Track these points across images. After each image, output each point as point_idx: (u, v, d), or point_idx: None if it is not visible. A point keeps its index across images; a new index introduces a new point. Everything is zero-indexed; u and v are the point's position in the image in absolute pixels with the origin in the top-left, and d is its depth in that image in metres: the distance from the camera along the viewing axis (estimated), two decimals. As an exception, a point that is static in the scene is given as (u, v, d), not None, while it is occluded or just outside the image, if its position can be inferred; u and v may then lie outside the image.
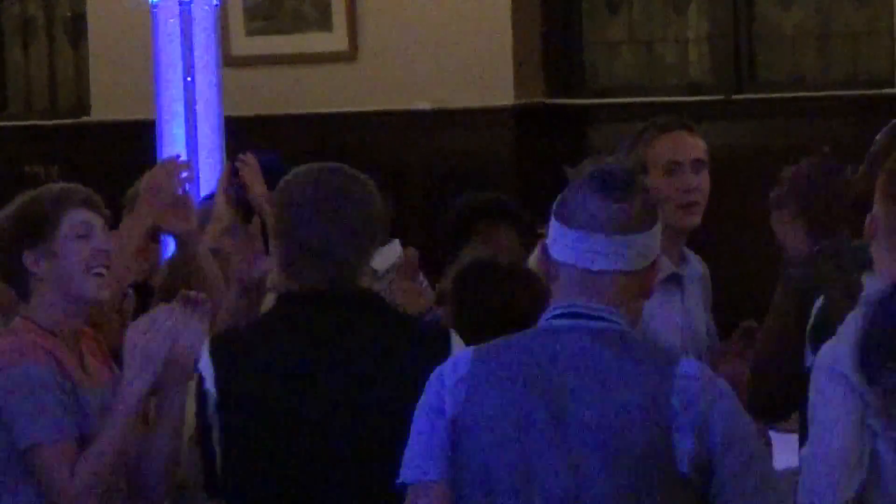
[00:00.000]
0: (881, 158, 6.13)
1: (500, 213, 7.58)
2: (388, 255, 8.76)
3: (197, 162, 8.97)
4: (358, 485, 5.76)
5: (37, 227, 5.84)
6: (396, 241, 8.67)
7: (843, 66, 13.54)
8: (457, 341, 5.79)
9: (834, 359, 5.35)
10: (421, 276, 7.95)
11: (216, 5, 9.02)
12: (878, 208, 5.41)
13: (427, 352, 5.68)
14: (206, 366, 5.81)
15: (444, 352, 5.66)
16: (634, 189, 5.04)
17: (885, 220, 5.26)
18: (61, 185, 6.12)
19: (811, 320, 5.94)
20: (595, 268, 5.10)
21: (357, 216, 5.77)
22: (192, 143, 9.00)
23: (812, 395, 5.27)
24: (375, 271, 8.99)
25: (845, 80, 13.31)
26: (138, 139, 9.61)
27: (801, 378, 6.08)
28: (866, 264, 6.35)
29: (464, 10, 14.08)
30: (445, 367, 5.18)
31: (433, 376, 5.18)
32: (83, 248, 5.69)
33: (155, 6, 8.91)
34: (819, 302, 6.15)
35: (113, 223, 9.10)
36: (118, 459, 5.78)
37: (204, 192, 8.69)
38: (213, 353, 5.87)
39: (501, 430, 5.02)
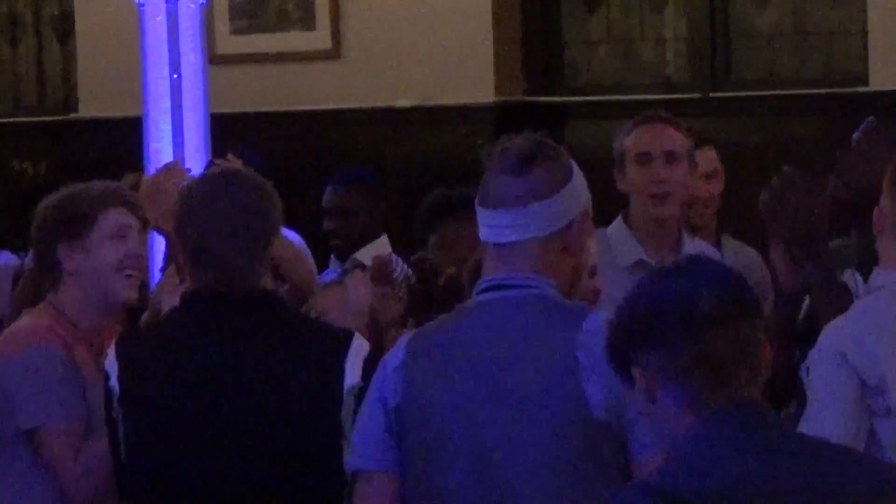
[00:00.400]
0: (865, 159, 6.13)
1: (462, 208, 7.70)
2: (377, 249, 8.81)
3: (183, 157, 9.00)
4: (257, 486, 5.71)
5: (75, 223, 5.88)
6: (384, 237, 8.71)
7: (818, 65, 13.58)
8: (358, 342, 5.82)
9: (838, 341, 5.58)
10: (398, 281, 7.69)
11: (202, 4, 9.05)
12: (885, 202, 5.44)
13: (325, 352, 5.76)
14: (111, 363, 5.77)
15: (343, 351, 5.74)
16: (537, 160, 5.20)
17: (894, 214, 5.30)
18: (105, 183, 6.20)
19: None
20: (504, 241, 5.28)
21: (248, 221, 5.78)
22: (178, 139, 9.03)
23: (812, 375, 5.59)
24: (363, 265, 9.06)
25: (819, 78, 13.34)
26: (126, 135, 9.65)
27: (793, 374, 6.13)
28: (848, 262, 6.40)
29: (445, 9, 14.11)
30: (388, 356, 5.35)
31: (378, 366, 5.34)
32: (118, 249, 5.79)
33: (142, 4, 8.94)
34: (805, 303, 6.19)
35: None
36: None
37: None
38: (119, 351, 5.83)
39: (446, 414, 5.14)
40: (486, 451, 5.12)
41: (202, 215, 5.77)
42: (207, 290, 5.75)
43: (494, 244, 5.38)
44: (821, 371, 5.66)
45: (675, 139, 6.87)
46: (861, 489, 4.33)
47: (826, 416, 5.57)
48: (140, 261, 6.06)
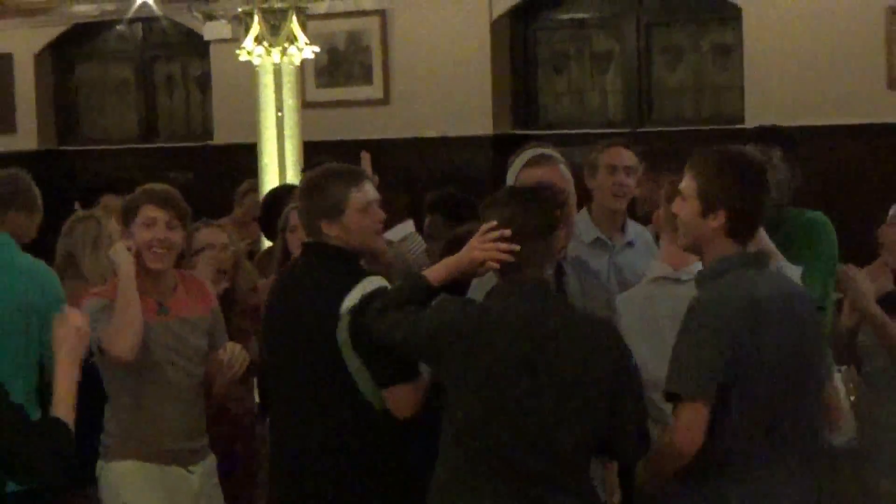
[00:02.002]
0: None
1: (434, 205, 7.53)
2: (402, 229, 8.73)
3: (284, 173, 8.97)
4: (309, 380, 5.30)
5: (127, 216, 5.72)
6: (410, 221, 8.67)
7: (709, 109, 13.50)
8: (370, 280, 5.24)
9: None
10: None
11: (297, 65, 9.05)
12: (662, 209, 5.38)
13: (345, 284, 5.19)
14: None
15: (352, 284, 5.16)
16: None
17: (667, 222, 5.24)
18: (148, 185, 5.95)
19: None
20: None
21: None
22: (281, 158, 8.99)
23: None
24: (390, 241, 9.00)
25: (710, 118, 13.28)
26: (245, 155, 9.67)
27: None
28: None
29: (457, 71, 14.09)
30: None
31: None
32: (148, 235, 5.61)
33: (257, 65, 8.93)
34: None
35: (222, 211, 9.00)
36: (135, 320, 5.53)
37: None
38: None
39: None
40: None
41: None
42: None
43: None
44: None
45: (632, 158, 6.86)
46: (560, 324, 4.49)
47: None
48: (163, 243, 5.67)
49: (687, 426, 4.41)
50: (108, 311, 5.54)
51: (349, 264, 5.22)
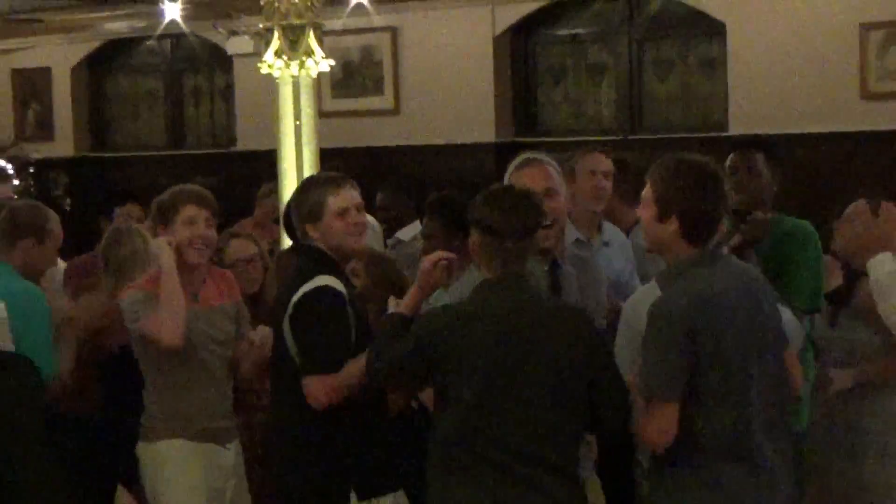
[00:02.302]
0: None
1: (432, 207, 7.52)
2: (411, 230, 8.69)
3: (302, 177, 8.96)
4: None
5: (166, 214, 5.68)
6: (417, 222, 8.59)
7: (696, 117, 13.52)
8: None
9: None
10: None
11: (314, 78, 9.05)
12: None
13: None
14: None
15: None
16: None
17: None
18: (184, 186, 5.93)
19: None
20: None
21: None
22: (299, 165, 9.00)
23: None
24: (401, 240, 9.00)
25: (697, 126, 13.27)
26: (265, 160, 9.69)
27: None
28: None
29: (463, 83, 14.10)
30: None
31: None
32: (189, 232, 5.59)
33: (277, 77, 8.94)
34: None
35: (245, 212, 8.96)
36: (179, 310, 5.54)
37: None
38: None
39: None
40: None
41: None
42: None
43: None
44: None
45: (610, 164, 6.85)
46: (536, 315, 4.56)
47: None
48: (205, 239, 5.71)
49: (659, 426, 4.42)
50: (148, 303, 5.54)
51: (322, 264, 5.25)
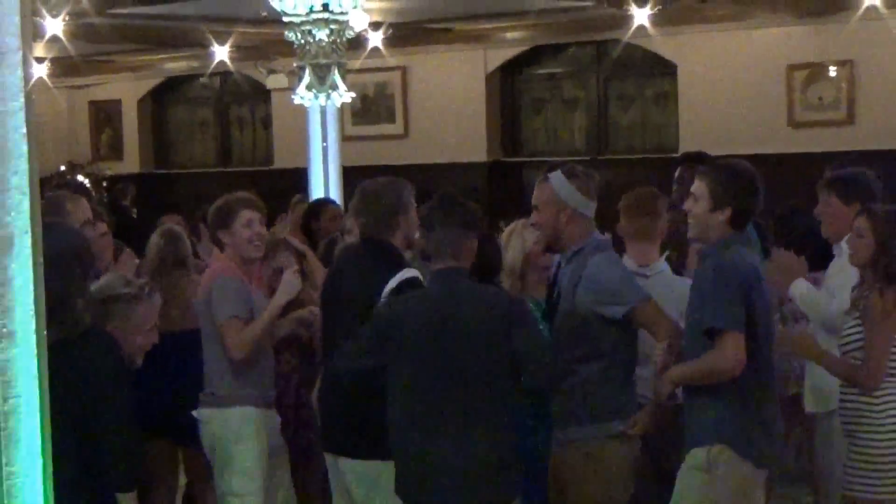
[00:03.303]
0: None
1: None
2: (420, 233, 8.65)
3: (328, 189, 8.97)
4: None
5: (226, 218, 5.47)
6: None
7: (652, 142, 13.52)
8: (404, 272, 5.03)
9: None
10: None
11: (338, 108, 9.03)
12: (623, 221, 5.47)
13: (387, 271, 5.01)
14: None
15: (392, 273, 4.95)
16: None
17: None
18: (238, 193, 5.68)
19: None
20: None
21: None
22: (326, 179, 8.97)
23: None
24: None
25: (653, 149, 13.28)
26: (297, 177, 9.68)
27: None
28: None
29: (460, 112, 14.11)
30: None
31: None
32: (248, 232, 5.35)
33: (306, 109, 8.92)
34: None
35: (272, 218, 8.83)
36: (264, 338, 5.42)
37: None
38: None
39: None
40: None
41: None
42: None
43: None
44: None
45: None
46: (463, 300, 4.44)
47: None
48: (260, 237, 5.54)
49: (735, 350, 4.27)
50: (240, 291, 5.41)
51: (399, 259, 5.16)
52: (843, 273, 5.15)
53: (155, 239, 6.33)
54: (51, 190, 6.07)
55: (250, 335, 5.32)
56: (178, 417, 5.59)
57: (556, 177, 4.79)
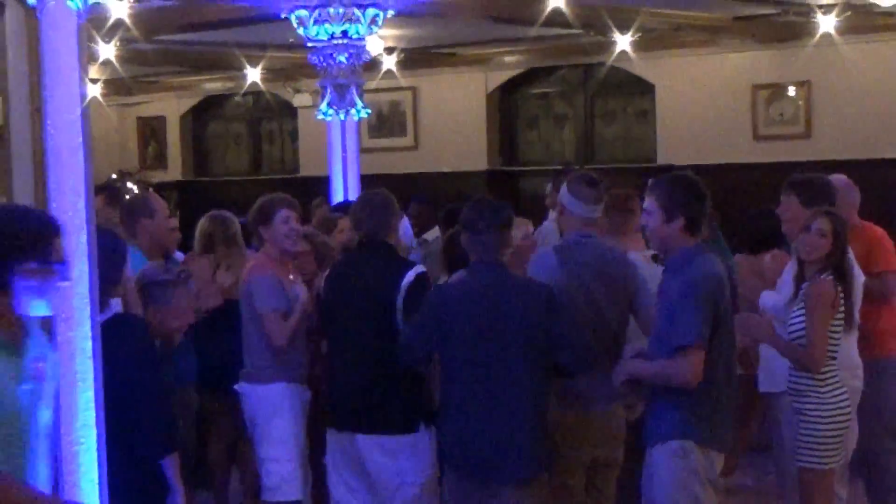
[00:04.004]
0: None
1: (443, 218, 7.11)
2: (432, 233, 8.65)
3: (346, 195, 8.92)
4: (369, 337, 5.06)
5: (266, 215, 5.48)
6: (437, 227, 8.50)
7: (633, 153, 13.49)
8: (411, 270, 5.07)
9: None
10: None
11: (357, 122, 8.98)
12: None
13: (397, 271, 5.01)
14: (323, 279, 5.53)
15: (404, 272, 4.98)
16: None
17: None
18: (276, 194, 5.70)
19: None
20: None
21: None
22: (345, 185, 8.92)
23: None
24: (426, 240, 8.94)
25: (633, 159, 13.24)
26: (321, 184, 9.65)
27: None
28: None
29: (464, 127, 14.10)
30: None
31: None
32: (286, 228, 5.42)
33: (329, 123, 8.88)
34: None
35: (305, 220, 8.83)
36: (300, 326, 5.42)
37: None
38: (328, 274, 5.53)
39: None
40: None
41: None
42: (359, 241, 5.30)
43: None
44: None
45: None
46: (509, 290, 4.48)
47: None
48: (297, 233, 5.52)
49: (694, 366, 4.14)
50: (274, 286, 5.39)
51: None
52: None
53: (202, 221, 6.32)
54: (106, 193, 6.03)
55: (288, 327, 5.32)
56: (235, 374, 5.56)
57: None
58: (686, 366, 4.17)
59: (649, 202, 4.39)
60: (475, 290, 4.55)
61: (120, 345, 3.74)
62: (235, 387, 5.49)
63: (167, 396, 4.06)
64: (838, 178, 5.80)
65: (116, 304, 3.79)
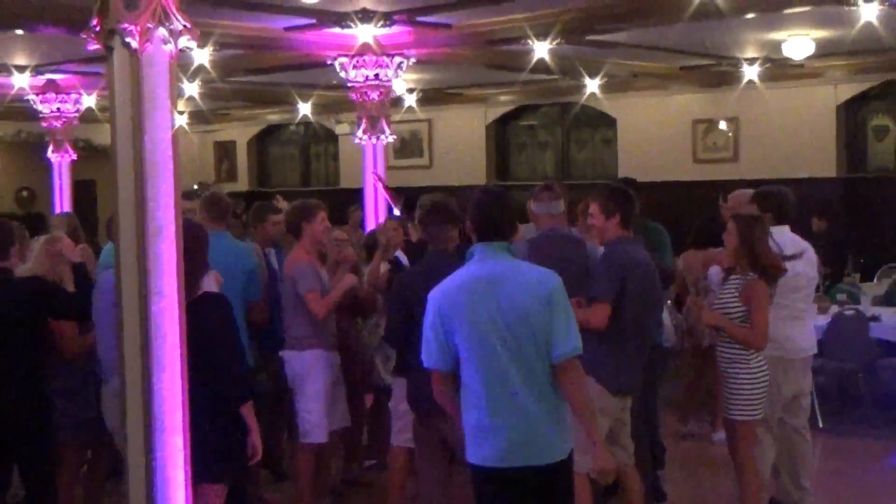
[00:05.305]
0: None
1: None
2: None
3: (377, 204, 8.90)
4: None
5: (309, 213, 5.34)
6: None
7: (599, 172, 13.44)
8: None
9: None
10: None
11: (385, 145, 8.99)
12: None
13: None
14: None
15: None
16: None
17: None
18: (314, 200, 5.53)
19: None
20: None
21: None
22: (374, 198, 8.89)
23: None
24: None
25: (599, 177, 13.17)
26: (357, 194, 9.65)
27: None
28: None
29: (468, 150, 14.09)
30: None
31: None
32: (322, 226, 5.32)
33: (363, 146, 8.88)
34: None
35: (343, 222, 8.71)
36: (335, 303, 5.29)
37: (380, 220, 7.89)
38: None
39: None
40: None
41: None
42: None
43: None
44: None
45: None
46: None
47: None
48: (329, 231, 5.40)
49: (600, 315, 4.30)
50: (313, 272, 5.28)
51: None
52: None
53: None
54: (188, 199, 5.95)
55: (326, 304, 5.25)
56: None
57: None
58: (598, 313, 4.33)
59: (593, 206, 4.53)
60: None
61: (209, 316, 3.74)
62: (280, 353, 5.39)
63: (244, 356, 4.07)
64: (750, 193, 5.79)
65: (208, 285, 3.79)
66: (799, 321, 5.21)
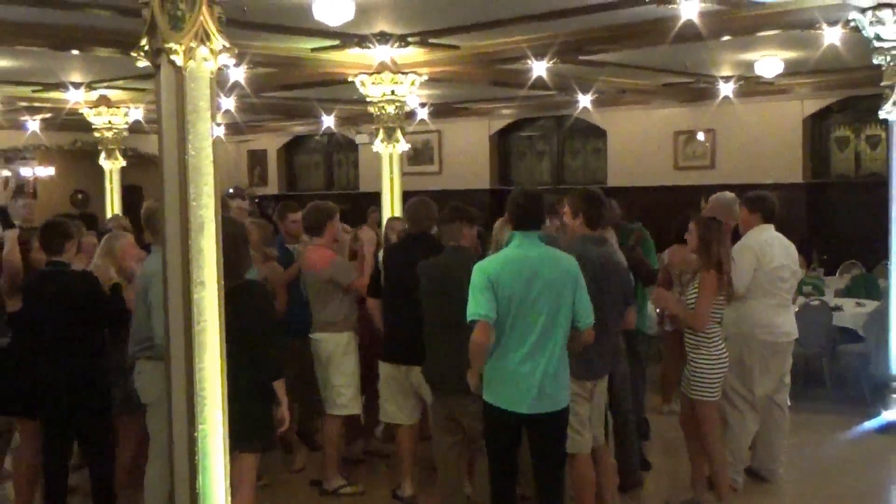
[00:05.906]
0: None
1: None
2: None
3: (393, 206, 8.80)
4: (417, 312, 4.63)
5: (330, 214, 5.31)
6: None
7: (591, 178, 13.42)
8: None
9: None
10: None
11: (400, 153, 8.99)
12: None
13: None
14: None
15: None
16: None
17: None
18: (331, 202, 5.51)
19: None
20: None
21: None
22: (392, 199, 8.71)
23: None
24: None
25: (591, 182, 13.16)
26: (375, 198, 9.60)
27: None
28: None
29: (474, 158, 14.08)
30: None
31: None
32: (339, 224, 5.36)
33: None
34: None
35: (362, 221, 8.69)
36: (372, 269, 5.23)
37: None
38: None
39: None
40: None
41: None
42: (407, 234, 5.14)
43: None
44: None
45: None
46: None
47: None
48: (344, 228, 5.43)
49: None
50: (346, 264, 5.32)
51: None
52: (737, 253, 5.09)
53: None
54: (241, 198, 5.91)
55: (367, 275, 5.24)
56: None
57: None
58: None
59: (565, 206, 4.58)
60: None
61: (248, 301, 3.76)
62: (311, 335, 5.34)
63: (279, 338, 4.09)
64: (727, 195, 5.81)
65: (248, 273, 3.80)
66: (784, 309, 5.24)
